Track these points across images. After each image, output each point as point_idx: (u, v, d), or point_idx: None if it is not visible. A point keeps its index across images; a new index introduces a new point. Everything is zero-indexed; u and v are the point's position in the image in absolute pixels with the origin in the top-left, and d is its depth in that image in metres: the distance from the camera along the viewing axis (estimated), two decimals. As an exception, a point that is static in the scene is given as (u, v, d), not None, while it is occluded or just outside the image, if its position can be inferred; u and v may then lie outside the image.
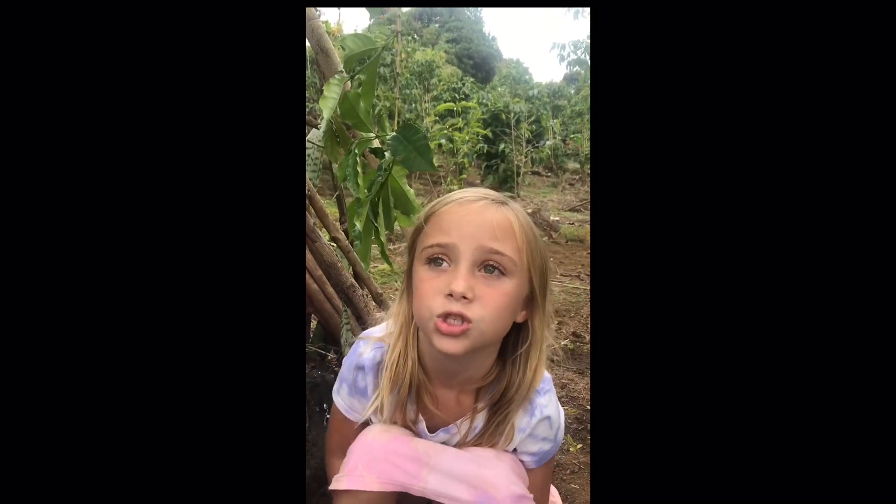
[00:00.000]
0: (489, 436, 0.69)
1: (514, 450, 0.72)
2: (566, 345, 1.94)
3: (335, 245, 1.16)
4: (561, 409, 0.72)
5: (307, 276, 1.05)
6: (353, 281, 1.12)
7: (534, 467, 0.73)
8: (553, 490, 0.76)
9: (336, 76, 0.64)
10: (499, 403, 0.68)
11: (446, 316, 0.59)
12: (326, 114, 0.62)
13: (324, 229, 1.16)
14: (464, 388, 0.69)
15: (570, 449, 1.27)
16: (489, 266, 0.60)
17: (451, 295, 0.59)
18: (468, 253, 0.60)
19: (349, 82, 0.68)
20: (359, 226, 0.66)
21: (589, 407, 1.48)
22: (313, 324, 1.24)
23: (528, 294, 0.63)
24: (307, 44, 1.11)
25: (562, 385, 1.70)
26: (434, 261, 0.62)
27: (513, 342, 0.67)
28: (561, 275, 3.22)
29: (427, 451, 0.68)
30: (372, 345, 0.71)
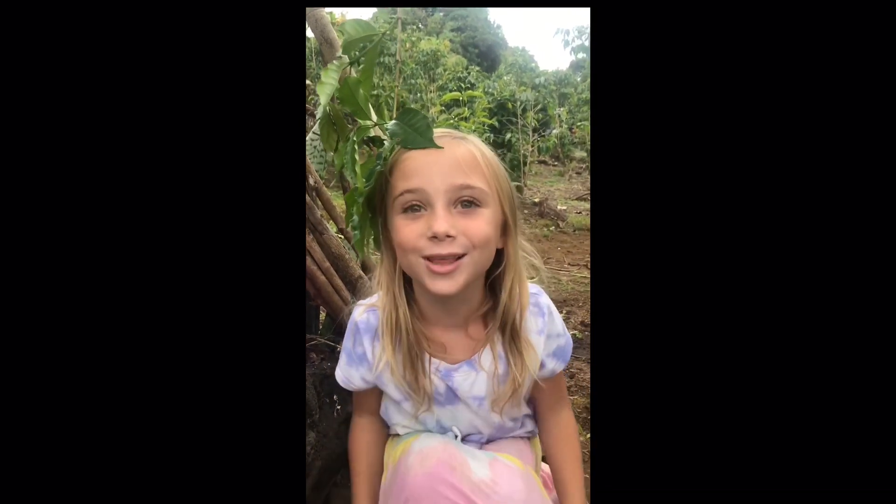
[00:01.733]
0: (517, 359, 0.69)
1: (542, 363, 0.71)
2: (574, 334, 1.93)
3: (342, 237, 1.15)
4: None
5: (315, 268, 1.04)
6: (361, 272, 1.11)
7: (559, 370, 0.74)
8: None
9: (335, 62, 0.63)
10: (504, 324, 0.69)
11: (434, 258, 0.60)
12: (323, 99, 0.61)
13: (331, 221, 1.15)
14: (468, 321, 0.70)
15: (580, 438, 1.27)
16: (464, 201, 0.61)
17: (434, 237, 0.59)
18: (441, 193, 0.60)
19: (349, 68, 0.67)
20: (356, 216, 0.65)
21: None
22: (322, 316, 1.24)
23: (502, 221, 0.65)
24: (311, 34, 1.10)
25: (570, 374, 1.69)
26: (410, 208, 0.62)
27: (492, 268, 0.68)
28: (568, 264, 3.20)
29: (487, 479, 0.65)
30: (365, 309, 0.73)
